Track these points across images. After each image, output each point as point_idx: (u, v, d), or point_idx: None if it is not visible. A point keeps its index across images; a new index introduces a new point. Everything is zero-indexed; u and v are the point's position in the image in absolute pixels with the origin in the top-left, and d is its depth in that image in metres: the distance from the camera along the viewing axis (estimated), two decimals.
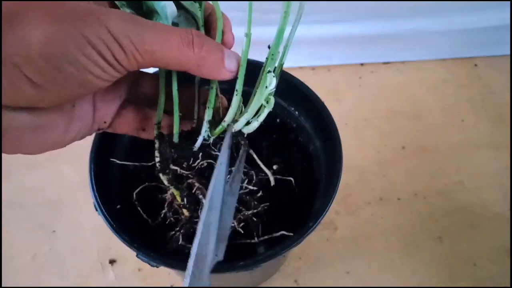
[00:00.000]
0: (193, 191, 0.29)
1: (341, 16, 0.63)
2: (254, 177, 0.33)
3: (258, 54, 0.40)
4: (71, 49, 0.19)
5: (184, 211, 0.30)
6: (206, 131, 0.28)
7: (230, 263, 0.30)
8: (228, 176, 0.28)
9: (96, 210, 0.32)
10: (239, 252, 0.35)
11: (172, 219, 0.32)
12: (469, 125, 0.66)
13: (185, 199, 0.29)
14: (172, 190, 0.29)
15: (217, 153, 0.29)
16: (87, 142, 0.35)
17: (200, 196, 0.29)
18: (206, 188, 0.27)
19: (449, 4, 0.65)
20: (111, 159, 0.36)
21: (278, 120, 0.42)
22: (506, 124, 0.66)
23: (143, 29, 0.21)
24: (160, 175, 0.28)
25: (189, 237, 0.32)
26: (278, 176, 0.37)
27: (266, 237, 0.35)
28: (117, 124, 0.30)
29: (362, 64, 0.72)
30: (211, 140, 0.29)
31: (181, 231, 0.32)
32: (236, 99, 0.28)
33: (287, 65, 0.38)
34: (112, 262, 0.54)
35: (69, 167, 0.59)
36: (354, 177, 0.60)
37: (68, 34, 0.19)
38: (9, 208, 0.57)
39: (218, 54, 0.24)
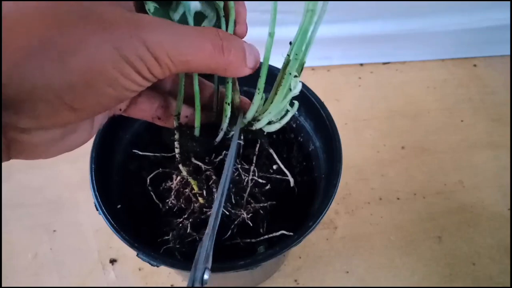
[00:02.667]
0: (210, 183, 0.30)
1: (341, 16, 0.63)
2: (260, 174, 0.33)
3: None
4: (112, 72, 0.19)
5: (200, 199, 0.30)
6: (226, 125, 0.29)
7: (230, 262, 0.30)
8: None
9: (97, 209, 0.33)
10: (239, 252, 0.35)
11: (182, 205, 0.32)
12: (468, 125, 0.66)
13: (203, 191, 0.30)
14: (191, 180, 0.29)
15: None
16: (89, 142, 0.35)
17: (214, 190, 0.30)
18: (217, 184, 0.28)
19: (449, 4, 0.65)
20: (113, 155, 0.37)
21: None
22: (505, 124, 0.66)
23: (179, 39, 0.21)
24: (180, 166, 0.29)
25: (196, 226, 0.33)
26: (278, 176, 0.37)
27: (266, 236, 0.35)
28: (132, 110, 0.30)
29: (361, 65, 0.72)
30: (230, 134, 0.30)
31: (190, 219, 0.32)
32: (258, 98, 0.28)
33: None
34: (112, 261, 0.54)
35: (70, 166, 0.59)
36: (354, 176, 0.60)
37: (108, 56, 0.19)
38: (9, 208, 0.57)
39: (241, 55, 0.24)
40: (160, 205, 0.36)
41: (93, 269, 0.53)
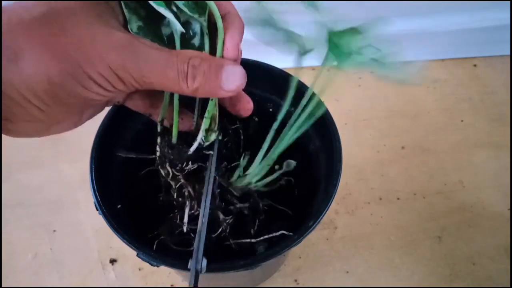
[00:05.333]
0: (183, 191, 0.31)
1: (340, 16, 0.63)
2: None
3: (258, 54, 0.40)
4: (72, 85, 0.22)
5: (179, 199, 0.32)
6: (201, 138, 0.30)
7: (230, 262, 0.30)
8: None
9: (97, 209, 0.32)
10: (239, 252, 0.35)
11: (175, 201, 0.33)
12: (468, 125, 0.66)
13: (175, 194, 0.32)
14: (168, 180, 0.31)
15: (210, 153, 0.31)
16: (89, 142, 0.35)
17: (187, 196, 0.31)
18: (194, 189, 0.30)
19: (449, 4, 0.65)
20: (113, 155, 0.37)
21: None
22: (505, 124, 0.66)
23: (142, 62, 0.22)
24: (159, 168, 0.31)
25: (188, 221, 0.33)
26: (278, 176, 0.37)
27: (266, 236, 0.35)
28: (128, 103, 0.32)
29: None
30: (205, 145, 0.31)
31: (182, 215, 0.33)
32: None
33: (287, 65, 0.38)
34: (112, 261, 0.54)
35: (70, 166, 0.59)
36: (354, 176, 0.60)
37: (69, 73, 0.21)
38: (9, 208, 0.57)
39: (212, 80, 0.25)
40: (159, 201, 0.36)
41: (93, 269, 0.53)
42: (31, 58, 0.21)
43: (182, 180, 0.30)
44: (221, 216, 0.33)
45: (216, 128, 0.31)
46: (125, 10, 0.25)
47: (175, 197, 0.32)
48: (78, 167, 0.58)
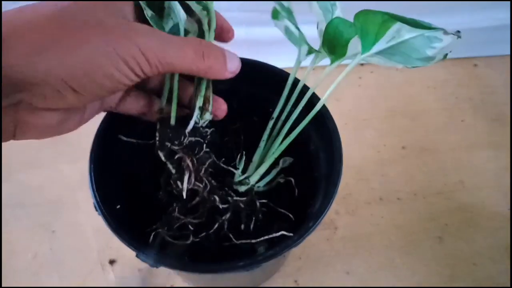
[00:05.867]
0: (182, 164, 0.33)
1: (341, 15, 0.63)
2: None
3: (258, 54, 0.40)
4: (108, 67, 0.24)
5: (179, 183, 0.33)
6: (197, 116, 0.33)
7: (230, 263, 0.30)
8: None
9: (96, 210, 0.32)
10: (239, 252, 0.35)
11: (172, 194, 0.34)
12: (468, 125, 0.66)
13: (174, 170, 0.33)
14: (168, 164, 0.33)
15: (206, 131, 0.34)
16: (88, 142, 0.35)
17: (186, 167, 0.33)
18: (192, 162, 0.32)
19: (449, 4, 0.65)
20: (112, 155, 0.37)
21: None
22: (505, 124, 0.66)
23: (165, 44, 0.26)
24: (159, 151, 0.32)
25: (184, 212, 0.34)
26: (278, 176, 0.37)
27: (266, 237, 0.35)
28: (121, 107, 0.34)
29: (362, 64, 0.72)
30: (201, 123, 0.33)
31: (178, 206, 0.34)
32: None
33: (288, 65, 0.38)
34: (112, 262, 0.54)
35: (69, 166, 0.59)
36: (354, 177, 0.60)
37: (106, 54, 0.24)
38: (9, 208, 0.57)
39: (221, 61, 0.29)
40: (159, 199, 0.36)
41: (93, 270, 0.53)
42: (71, 46, 0.23)
43: (181, 153, 0.32)
44: (220, 204, 0.34)
45: (210, 109, 0.33)
46: (141, 2, 0.29)
47: (174, 172, 0.33)
48: (77, 168, 0.58)
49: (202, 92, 0.33)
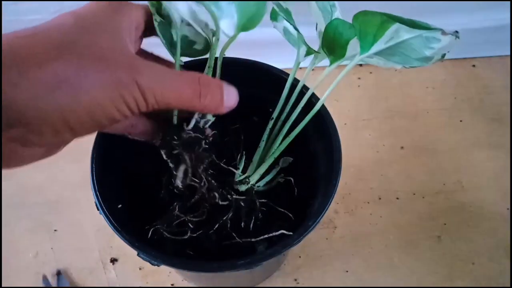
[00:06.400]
0: (180, 158, 0.33)
1: (340, 16, 0.63)
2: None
3: (258, 55, 0.41)
4: (110, 107, 0.23)
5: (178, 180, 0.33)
6: (198, 114, 0.33)
7: (230, 261, 0.30)
8: None
9: (98, 209, 0.33)
10: (239, 251, 0.35)
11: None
12: (467, 125, 0.66)
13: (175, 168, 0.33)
14: (169, 162, 0.33)
15: (208, 131, 0.34)
16: (89, 142, 0.35)
17: (182, 160, 0.33)
18: (191, 158, 0.32)
19: (449, 4, 0.65)
20: (113, 155, 0.37)
21: None
22: (504, 124, 0.66)
23: (165, 85, 0.25)
24: (160, 150, 0.33)
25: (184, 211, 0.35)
26: (278, 176, 0.37)
27: (266, 236, 0.35)
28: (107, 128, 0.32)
29: (361, 65, 0.72)
30: (202, 123, 0.33)
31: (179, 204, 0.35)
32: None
33: (288, 65, 0.38)
34: (113, 261, 0.54)
35: (71, 166, 0.59)
36: (353, 176, 0.61)
37: (109, 96, 0.23)
38: (10, 207, 0.58)
39: (217, 99, 0.28)
40: (160, 198, 0.37)
41: (94, 269, 0.54)
42: (77, 87, 0.22)
43: (180, 149, 0.32)
44: (220, 201, 0.34)
45: None
46: (151, 7, 0.29)
47: (174, 171, 0.33)
48: (79, 167, 0.58)
49: None
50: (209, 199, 0.34)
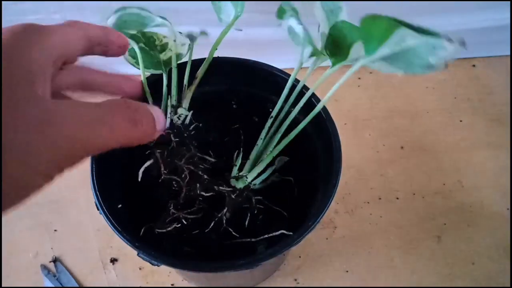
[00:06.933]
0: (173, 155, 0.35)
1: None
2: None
3: (258, 55, 0.41)
4: (54, 172, 0.23)
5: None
6: (170, 112, 0.35)
7: (230, 261, 0.30)
8: None
9: (98, 209, 0.33)
10: (239, 251, 0.35)
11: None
12: (467, 125, 0.66)
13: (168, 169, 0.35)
14: (162, 163, 0.35)
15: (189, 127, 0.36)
16: None
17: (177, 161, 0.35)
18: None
19: (449, 4, 0.65)
20: (113, 154, 0.37)
21: None
22: (504, 124, 0.66)
23: (93, 129, 0.22)
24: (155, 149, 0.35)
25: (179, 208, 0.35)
26: (278, 175, 0.37)
27: (266, 236, 0.35)
28: None
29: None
30: (178, 121, 0.36)
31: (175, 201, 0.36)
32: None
33: (288, 65, 0.38)
34: (113, 261, 0.54)
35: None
36: (353, 176, 0.61)
37: (44, 157, 0.21)
38: None
39: (152, 122, 0.24)
40: (158, 197, 0.37)
41: (94, 268, 0.54)
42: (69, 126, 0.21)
43: (153, 149, 0.34)
44: (204, 192, 0.35)
45: (185, 105, 0.36)
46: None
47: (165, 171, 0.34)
48: (79, 167, 0.58)
49: (174, 91, 0.36)
50: (192, 191, 0.34)
